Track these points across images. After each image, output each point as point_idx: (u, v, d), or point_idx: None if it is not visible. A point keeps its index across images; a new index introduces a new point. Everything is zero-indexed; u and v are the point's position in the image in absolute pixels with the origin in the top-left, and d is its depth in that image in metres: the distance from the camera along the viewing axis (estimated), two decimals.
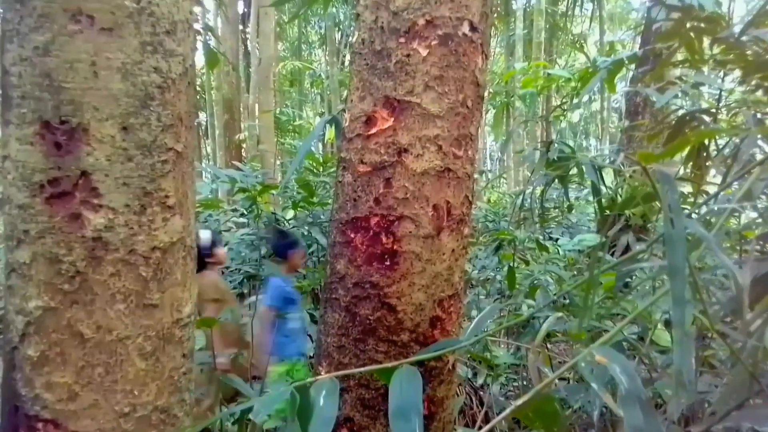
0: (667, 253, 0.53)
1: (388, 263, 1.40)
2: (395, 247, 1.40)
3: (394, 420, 0.83)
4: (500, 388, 3.22)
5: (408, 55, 1.39)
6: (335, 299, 1.45)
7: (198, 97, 18.52)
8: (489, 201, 10.55)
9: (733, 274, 0.58)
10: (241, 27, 13.20)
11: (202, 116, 16.20)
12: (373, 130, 1.42)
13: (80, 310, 0.98)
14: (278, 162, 9.73)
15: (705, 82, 2.32)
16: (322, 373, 1.44)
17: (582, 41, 17.22)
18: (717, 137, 1.49)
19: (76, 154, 0.96)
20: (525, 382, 3.29)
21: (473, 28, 1.43)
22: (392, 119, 1.40)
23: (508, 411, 0.75)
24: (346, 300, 1.43)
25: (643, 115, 5.68)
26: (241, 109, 11.56)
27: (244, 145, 10.66)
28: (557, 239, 5.65)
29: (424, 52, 1.39)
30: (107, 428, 1.02)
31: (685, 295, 0.52)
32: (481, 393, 3.14)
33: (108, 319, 1.00)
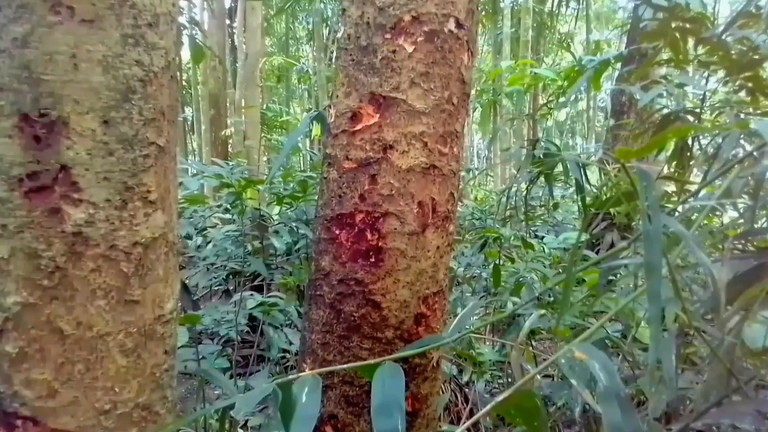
0: (644, 250, 0.54)
1: (372, 260, 1.39)
2: (380, 243, 1.39)
3: (376, 416, 0.83)
4: (485, 385, 3.23)
5: (394, 51, 1.38)
6: (320, 296, 1.44)
7: (184, 92, 18.39)
8: (476, 199, 10.59)
9: (711, 271, 0.59)
10: (228, 21, 13.12)
11: (189, 111, 16.09)
12: (359, 127, 1.41)
13: (60, 306, 0.97)
14: (264, 158, 9.69)
15: (688, 83, 2.34)
16: (306, 370, 1.44)
17: (569, 40, 17.31)
18: (700, 136, 1.50)
19: (55, 147, 0.94)
20: (509, 379, 3.31)
21: (459, 25, 1.43)
22: (378, 115, 1.40)
23: (488, 407, 0.76)
24: (331, 297, 1.42)
25: (628, 114, 5.73)
26: (228, 104, 11.49)
27: (230, 141, 10.60)
28: (543, 237, 5.69)
29: (410, 49, 1.38)
30: (87, 425, 1.01)
31: (660, 292, 0.53)
32: (467, 390, 3.15)
33: (88, 316, 0.99)
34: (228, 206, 3.91)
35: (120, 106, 0.98)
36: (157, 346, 1.09)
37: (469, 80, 1.50)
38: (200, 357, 2.89)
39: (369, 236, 1.40)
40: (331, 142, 1.47)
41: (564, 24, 17.78)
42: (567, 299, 0.50)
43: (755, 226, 1.23)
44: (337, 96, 1.47)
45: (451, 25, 1.42)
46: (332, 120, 1.48)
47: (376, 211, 1.39)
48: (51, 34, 0.93)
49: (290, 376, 0.96)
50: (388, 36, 1.39)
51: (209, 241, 5.25)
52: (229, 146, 10.98)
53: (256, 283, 4.81)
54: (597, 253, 4.75)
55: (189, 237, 5.78)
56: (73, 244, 0.96)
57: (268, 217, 4.89)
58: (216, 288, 5.30)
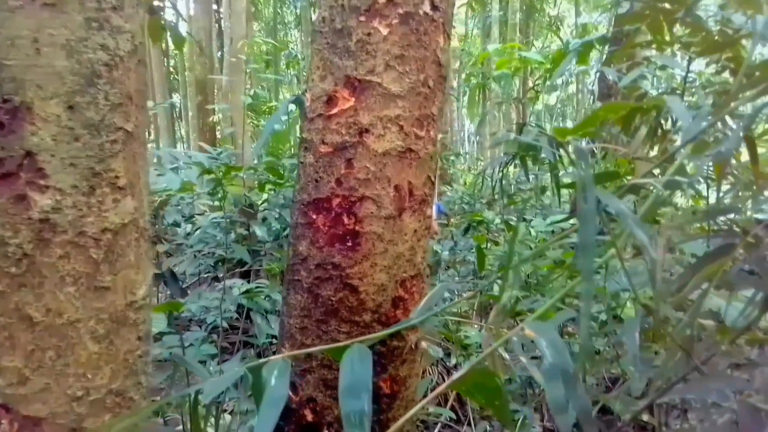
0: (579, 229, 0.54)
1: (350, 244, 1.39)
2: (357, 228, 1.39)
3: (344, 398, 0.83)
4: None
5: (369, 34, 1.37)
6: (297, 281, 1.44)
7: (172, 78, 18.19)
8: (465, 183, 10.59)
9: (647, 248, 0.59)
10: (215, 6, 12.96)
11: (176, 98, 15.94)
12: (334, 110, 1.40)
13: (28, 294, 0.96)
14: (252, 144, 9.61)
15: (670, 64, 2.34)
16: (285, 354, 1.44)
17: (558, 23, 17.24)
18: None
19: (19, 133, 0.93)
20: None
21: (434, 7, 1.42)
22: (353, 99, 1.39)
23: (445, 385, 0.76)
24: (309, 281, 1.42)
25: (615, 97, 5.72)
26: (216, 90, 11.39)
27: (218, 127, 10.53)
28: (531, 221, 5.71)
29: (384, 31, 1.37)
30: (60, 412, 1.01)
31: (592, 270, 0.53)
32: (454, 372, 3.18)
33: (58, 302, 0.98)
34: (210, 193, 3.89)
35: (85, 90, 0.97)
36: (129, 332, 1.09)
37: (446, 63, 1.49)
38: (187, 344, 2.90)
39: (346, 220, 1.40)
40: (307, 127, 1.47)
41: (554, 7, 17.71)
42: (510, 279, 0.50)
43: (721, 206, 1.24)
44: (313, 80, 1.46)
45: (426, 7, 1.41)
46: (308, 104, 1.47)
47: (353, 196, 1.39)
48: (12, 18, 0.92)
49: (261, 360, 0.96)
50: (362, 18, 1.38)
51: (197, 228, 5.23)
52: (218, 132, 10.90)
53: (245, 269, 4.81)
54: None
55: (177, 224, 5.76)
56: (41, 230, 0.95)
57: (255, 203, 4.88)
58: (205, 275, 5.30)
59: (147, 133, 1.14)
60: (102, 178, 1.01)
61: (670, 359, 0.93)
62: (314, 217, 1.42)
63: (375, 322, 1.41)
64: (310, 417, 1.41)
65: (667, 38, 2.15)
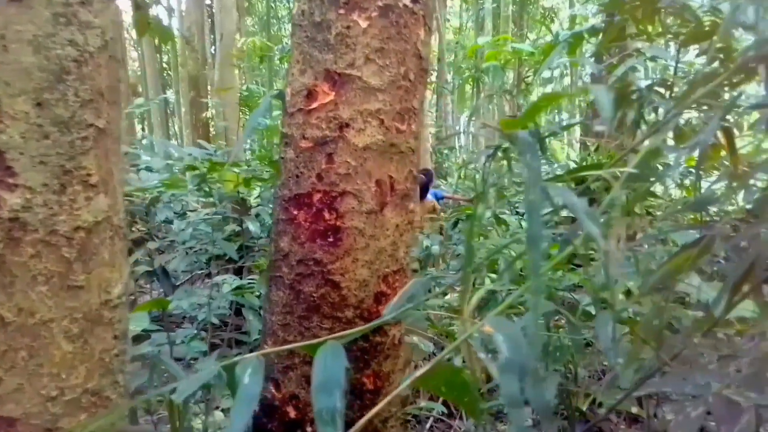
0: (526, 222, 0.53)
1: (331, 240, 1.38)
2: (338, 223, 1.38)
3: (316, 394, 0.83)
4: (462, 362, 3.26)
5: (348, 27, 1.36)
6: (279, 277, 1.44)
7: (165, 74, 18.09)
8: (460, 177, 10.57)
9: (598, 240, 0.58)
10: (207, 1, 12.88)
11: (170, 94, 15.87)
12: (314, 105, 1.39)
13: None
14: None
15: (660, 55, 2.33)
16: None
17: (553, 15, 17.19)
18: (659, 107, 1.49)
19: None
20: (488, 355, 3.33)
21: (414, 0, 1.40)
22: (333, 93, 1.38)
23: (407, 382, 0.76)
24: (290, 278, 1.41)
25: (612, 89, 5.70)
26: (209, 86, 11.34)
27: (212, 123, 10.48)
28: (523, 214, 5.70)
29: (364, 24, 1.36)
30: (34, 412, 1.00)
31: (540, 263, 0.52)
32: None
33: (30, 302, 0.97)
34: (195, 189, 3.87)
35: (54, 87, 0.95)
36: (105, 331, 1.08)
37: (426, 56, 1.48)
38: (178, 341, 2.89)
39: (327, 216, 1.39)
40: (287, 121, 1.45)
41: None
42: (468, 274, 0.49)
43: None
44: (293, 74, 1.45)
45: None
46: (288, 99, 1.45)
47: (334, 191, 1.38)
48: None
49: (235, 358, 0.95)
50: (341, 11, 1.37)
51: (191, 224, 5.21)
52: (211, 128, 10.85)
53: (238, 265, 4.79)
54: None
55: (169, 221, 5.73)
56: (10, 230, 0.94)
57: (248, 198, 4.86)
58: (199, 272, 5.28)
59: (121, 129, 1.12)
60: (73, 175, 0.99)
61: (636, 353, 0.93)
62: (295, 212, 1.41)
63: (357, 318, 1.40)
64: (293, 414, 1.40)
65: (660, 29, 2.13)
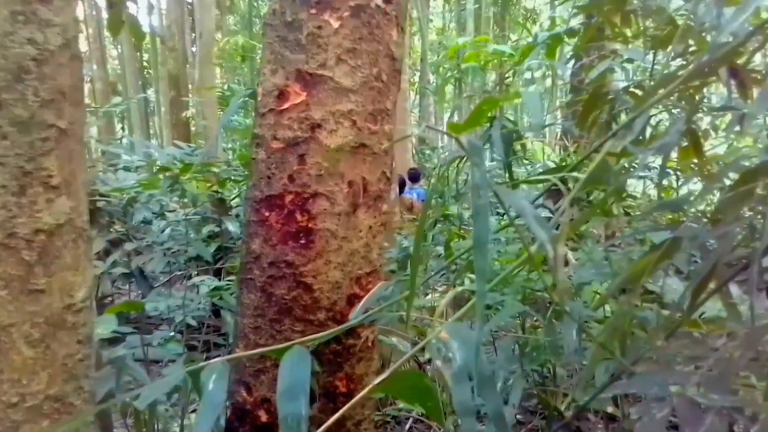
0: (473, 226, 0.52)
1: (303, 241, 1.37)
2: (310, 225, 1.37)
3: (281, 400, 0.81)
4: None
5: (319, 27, 1.35)
6: (251, 279, 1.42)
7: (146, 72, 17.88)
8: (436, 178, 10.54)
9: (546, 246, 0.58)
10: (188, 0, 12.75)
11: (150, 92, 15.69)
12: (286, 105, 1.38)
13: None
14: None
15: (635, 57, 2.35)
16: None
17: (535, 16, 17.27)
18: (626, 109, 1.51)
19: None
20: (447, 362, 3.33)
21: (387, 0, 1.40)
22: (305, 94, 1.36)
23: (369, 388, 0.75)
24: (262, 280, 1.40)
25: (588, 90, 5.75)
26: (189, 85, 11.23)
27: (192, 122, 10.38)
28: (504, 214, 5.72)
29: (335, 24, 1.35)
30: None
31: (486, 268, 0.52)
32: (427, 367, 3.18)
33: None
34: (169, 191, 3.82)
35: (12, 87, 0.93)
36: (68, 335, 1.06)
37: (400, 56, 1.47)
38: (151, 344, 2.85)
39: (299, 217, 1.37)
40: (259, 122, 1.44)
41: (530, 0, 17.73)
42: (414, 279, 0.48)
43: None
44: (264, 74, 1.43)
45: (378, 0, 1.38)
46: (259, 99, 1.44)
47: (306, 192, 1.37)
48: None
49: (201, 364, 0.94)
50: (313, 11, 1.35)
51: (170, 225, 5.15)
52: (192, 127, 10.75)
53: (217, 266, 4.75)
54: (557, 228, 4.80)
55: (148, 222, 5.66)
56: None
57: (227, 198, 4.81)
58: (179, 273, 5.22)
59: (85, 130, 1.10)
60: (33, 177, 0.97)
61: (598, 357, 0.93)
62: (267, 214, 1.40)
63: (330, 321, 1.39)
64: (264, 417, 1.38)
65: (636, 31, 2.15)
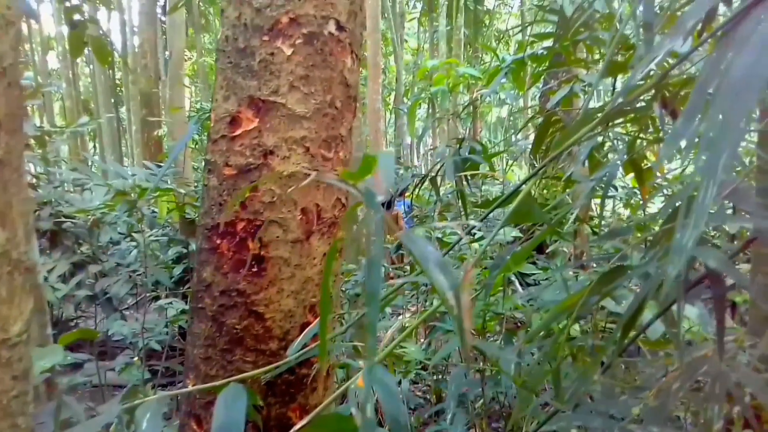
0: (365, 277, 0.52)
1: (255, 270, 1.35)
2: (262, 252, 1.35)
3: None
4: (410, 384, 3.24)
5: (272, 54, 1.34)
6: (201, 309, 1.39)
7: (118, 90, 17.71)
8: (416, 197, 10.59)
9: (445, 294, 0.57)
10: (163, 18, 12.69)
11: (122, 111, 15.53)
12: (238, 132, 1.37)
13: None
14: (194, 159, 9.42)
15: (590, 82, 2.39)
16: (189, 386, 1.39)
17: (507, 38, 17.57)
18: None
19: None
20: (435, 377, 3.33)
21: (340, 28, 1.40)
22: (257, 120, 1.35)
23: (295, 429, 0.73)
24: (213, 309, 1.37)
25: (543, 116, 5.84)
26: (161, 104, 11.13)
27: (165, 141, 10.26)
28: (475, 234, 5.75)
29: (288, 51, 1.35)
30: None
31: (377, 319, 0.51)
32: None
33: None
34: (126, 215, 3.76)
35: None
36: (2, 371, 1.02)
37: (354, 83, 1.48)
38: (114, 369, 2.79)
39: (251, 245, 1.35)
40: (211, 148, 1.42)
41: (503, 22, 18.06)
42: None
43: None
44: (216, 100, 1.42)
45: (331, 27, 1.39)
46: (212, 125, 1.42)
47: (258, 219, 1.35)
48: None
49: (136, 402, 0.91)
50: (265, 38, 1.35)
51: (135, 248, 5.07)
52: (164, 147, 10.62)
53: (184, 289, 4.68)
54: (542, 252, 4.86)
55: (116, 242, 5.57)
56: None
57: (195, 219, 4.75)
58: (148, 295, 5.13)
59: (23, 159, 1.07)
60: None
61: (526, 398, 0.92)
62: (218, 242, 1.37)
63: (282, 350, 1.36)
64: None
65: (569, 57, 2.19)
